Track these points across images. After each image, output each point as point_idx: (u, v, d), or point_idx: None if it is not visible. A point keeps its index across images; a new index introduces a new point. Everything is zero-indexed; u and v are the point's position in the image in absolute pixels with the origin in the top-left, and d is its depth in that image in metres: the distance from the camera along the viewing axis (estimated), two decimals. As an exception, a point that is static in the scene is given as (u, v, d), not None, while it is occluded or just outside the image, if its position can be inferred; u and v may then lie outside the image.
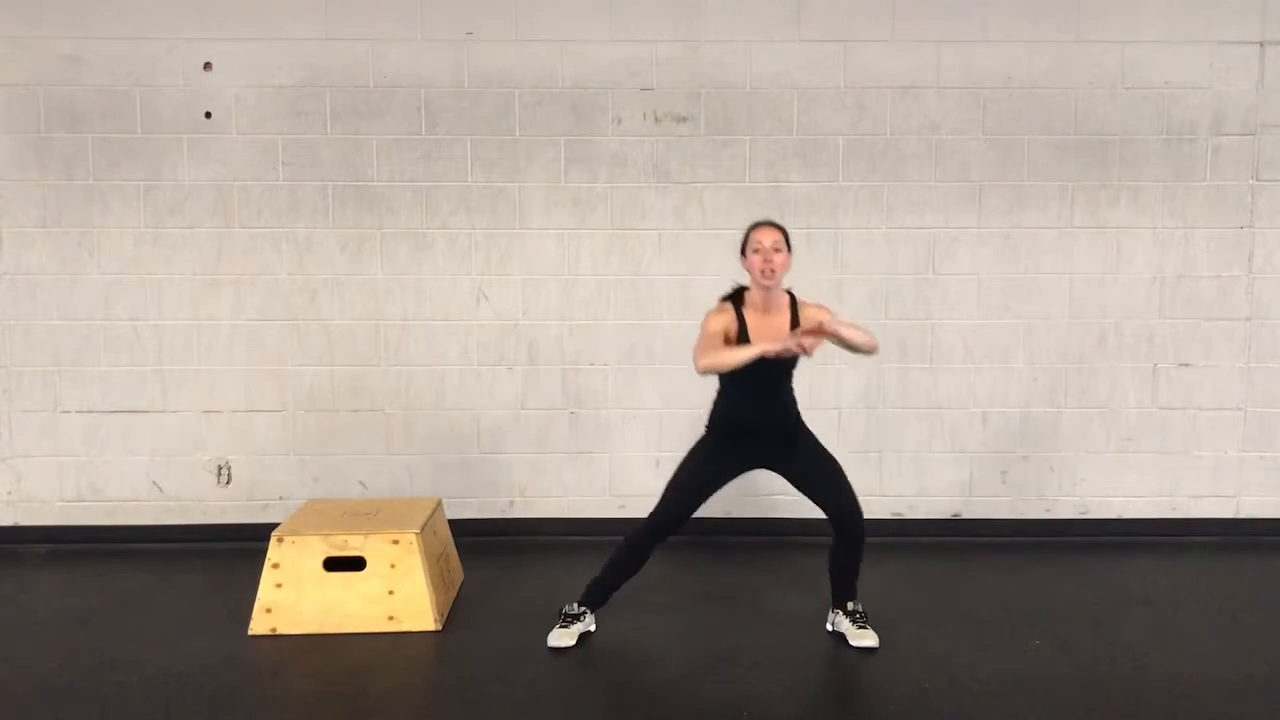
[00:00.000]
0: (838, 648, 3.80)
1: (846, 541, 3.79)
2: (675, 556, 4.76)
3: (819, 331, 3.52)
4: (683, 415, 5.04)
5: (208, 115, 4.93)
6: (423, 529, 4.06)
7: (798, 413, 3.82)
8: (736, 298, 3.75)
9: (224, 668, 3.65)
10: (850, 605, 3.86)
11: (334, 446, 5.09)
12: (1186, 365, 5.10)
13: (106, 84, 4.90)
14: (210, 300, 5.02)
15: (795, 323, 3.69)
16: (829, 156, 4.99)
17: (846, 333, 3.56)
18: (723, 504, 4.83)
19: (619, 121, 4.97)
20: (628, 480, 5.11)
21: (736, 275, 4.92)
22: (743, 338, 3.64)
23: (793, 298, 3.75)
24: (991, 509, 5.16)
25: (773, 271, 3.62)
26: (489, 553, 4.84)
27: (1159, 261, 5.05)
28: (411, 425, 5.09)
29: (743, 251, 3.73)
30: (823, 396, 5.03)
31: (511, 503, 5.15)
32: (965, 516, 5.16)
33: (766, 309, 3.69)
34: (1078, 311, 5.07)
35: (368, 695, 3.45)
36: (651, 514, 3.78)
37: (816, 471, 3.77)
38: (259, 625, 3.93)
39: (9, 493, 5.07)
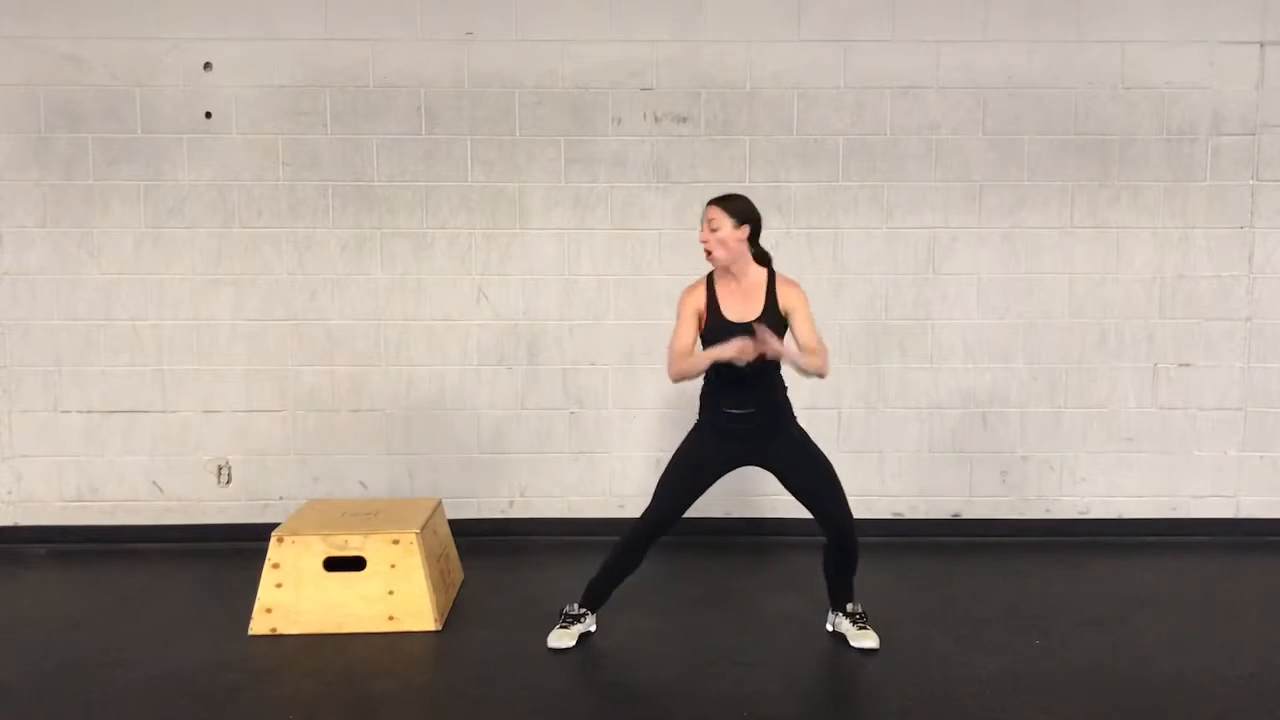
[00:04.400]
0: (838, 648, 3.80)
1: (837, 548, 3.77)
2: (675, 557, 4.76)
3: (770, 346, 3.47)
4: (683, 415, 5.01)
5: (208, 115, 4.93)
6: (423, 529, 4.06)
7: (786, 402, 3.76)
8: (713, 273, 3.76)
9: (224, 668, 3.65)
10: (850, 606, 3.86)
11: (334, 446, 5.09)
12: (1186, 365, 5.10)
13: (106, 84, 4.90)
14: (210, 300, 5.02)
15: (771, 294, 3.65)
16: (829, 156, 4.99)
17: (793, 357, 3.55)
18: (722, 504, 4.86)
19: (619, 121, 4.97)
20: (628, 480, 5.11)
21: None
22: (713, 308, 3.64)
23: (771, 271, 3.72)
24: (991, 509, 5.16)
25: (709, 251, 3.63)
26: (489, 553, 4.85)
27: (1159, 261, 5.05)
28: (411, 425, 5.09)
29: None
30: (823, 396, 5.03)
31: (511, 503, 5.15)
32: (965, 516, 5.16)
33: (739, 278, 3.68)
34: (1078, 311, 5.07)
35: (368, 695, 3.45)
36: (644, 513, 3.76)
37: (807, 474, 3.71)
38: (259, 625, 3.94)
39: (9, 493, 5.07)
